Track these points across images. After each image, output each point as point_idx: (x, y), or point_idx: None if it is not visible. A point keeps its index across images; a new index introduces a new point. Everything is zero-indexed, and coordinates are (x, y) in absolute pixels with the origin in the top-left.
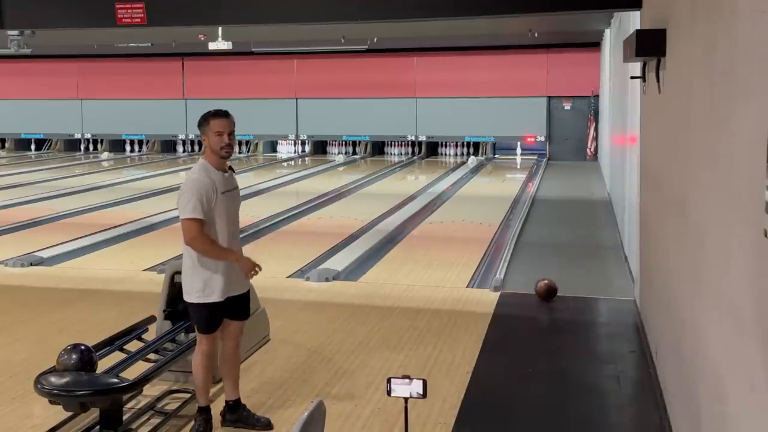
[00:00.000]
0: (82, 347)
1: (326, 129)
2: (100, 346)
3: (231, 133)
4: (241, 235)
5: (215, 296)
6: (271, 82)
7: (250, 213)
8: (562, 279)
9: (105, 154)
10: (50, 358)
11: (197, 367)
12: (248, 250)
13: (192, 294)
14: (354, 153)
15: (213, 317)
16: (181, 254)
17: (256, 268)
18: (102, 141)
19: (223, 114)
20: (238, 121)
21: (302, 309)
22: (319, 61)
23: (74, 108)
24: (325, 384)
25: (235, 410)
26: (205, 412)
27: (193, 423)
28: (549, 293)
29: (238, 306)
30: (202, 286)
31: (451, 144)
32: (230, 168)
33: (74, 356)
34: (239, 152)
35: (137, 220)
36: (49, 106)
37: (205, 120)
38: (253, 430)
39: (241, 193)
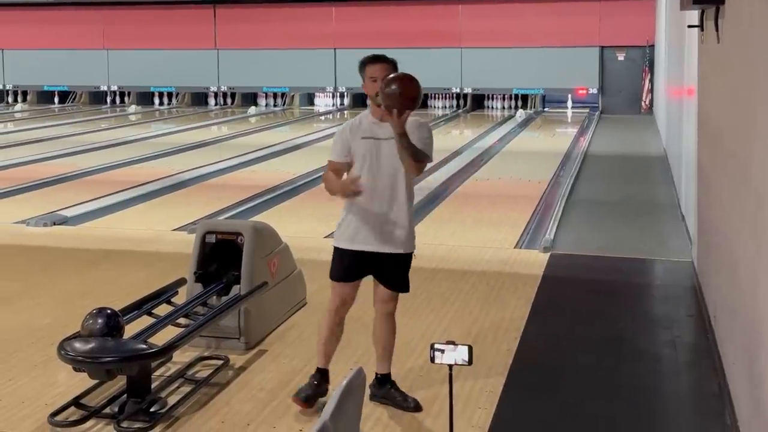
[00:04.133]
0: (108, 311)
1: None
2: (127, 310)
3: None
4: (277, 193)
5: (341, 241)
6: (308, 31)
7: (286, 169)
8: (615, 238)
9: (132, 108)
10: (74, 322)
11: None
12: (285, 208)
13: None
14: None
15: (336, 263)
16: (212, 213)
17: (351, 188)
18: (129, 94)
19: (377, 59)
20: (271, 72)
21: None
22: (358, 8)
23: (100, 59)
24: (365, 350)
25: (381, 386)
26: (319, 374)
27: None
28: None
29: (379, 268)
30: (337, 227)
31: (498, 97)
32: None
33: (100, 321)
34: (274, 105)
35: (166, 176)
36: (74, 56)
37: (362, 65)
38: (399, 410)
39: (276, 148)
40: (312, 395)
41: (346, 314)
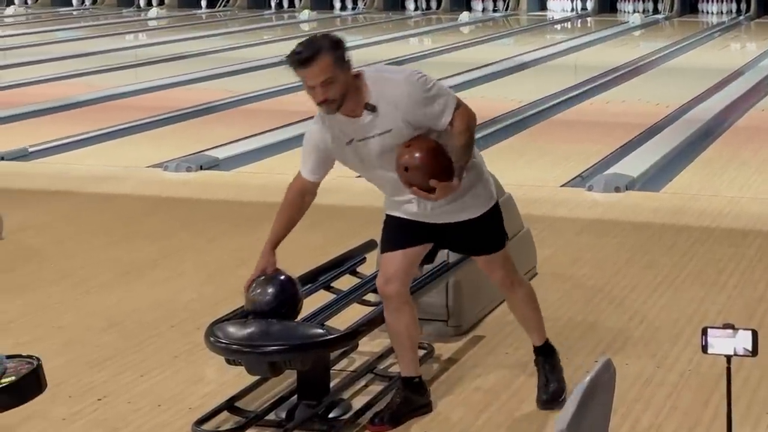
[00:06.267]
0: (283, 278)
1: None
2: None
3: (327, 83)
4: (497, 127)
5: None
6: None
7: (509, 96)
8: None
9: (305, 14)
10: (228, 299)
11: None
12: (508, 147)
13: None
14: (655, 11)
15: (387, 232)
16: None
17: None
18: None
19: (303, 59)
20: None
21: (582, 230)
22: None
23: None
24: (615, 336)
25: (537, 356)
26: (405, 383)
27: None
28: None
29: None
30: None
31: None
32: (367, 105)
33: (270, 290)
34: (493, 9)
35: None
36: None
37: (289, 66)
38: None
39: (496, 67)
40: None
41: None
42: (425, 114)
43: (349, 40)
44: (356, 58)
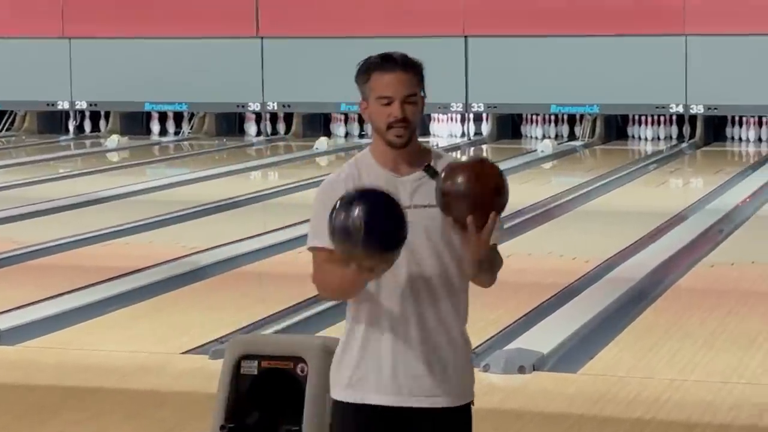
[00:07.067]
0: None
1: (519, 93)
2: None
3: (408, 100)
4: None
5: (369, 393)
6: (421, 7)
7: None
8: None
9: (113, 140)
10: None
11: None
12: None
13: (335, 387)
14: (572, 136)
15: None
16: (248, 326)
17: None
18: (107, 115)
19: (392, 63)
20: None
21: (476, 423)
22: None
23: (57, 54)
24: None
25: None
26: None
27: None
28: None
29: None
30: (349, 374)
31: (751, 121)
32: (428, 167)
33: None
34: (360, 135)
35: (174, 259)
36: (13, 50)
37: (364, 72)
38: None
39: None
40: None
41: None
42: None
43: (170, 175)
44: (180, 198)
